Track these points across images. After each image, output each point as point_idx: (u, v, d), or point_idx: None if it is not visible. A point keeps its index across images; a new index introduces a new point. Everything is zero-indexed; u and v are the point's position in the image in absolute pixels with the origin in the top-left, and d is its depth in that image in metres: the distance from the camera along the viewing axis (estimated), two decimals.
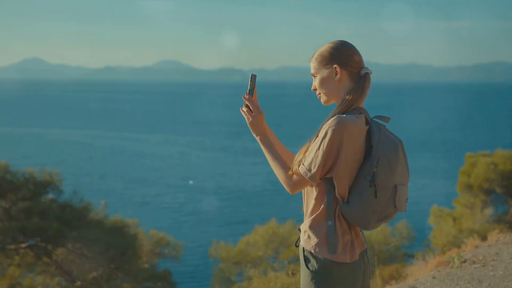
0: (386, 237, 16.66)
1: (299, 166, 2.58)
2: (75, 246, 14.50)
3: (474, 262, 5.93)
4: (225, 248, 16.66)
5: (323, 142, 2.49)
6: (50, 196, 15.68)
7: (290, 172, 2.61)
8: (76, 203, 15.54)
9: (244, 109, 2.74)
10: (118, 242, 14.26)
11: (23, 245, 14.62)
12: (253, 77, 2.76)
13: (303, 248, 2.62)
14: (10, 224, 14.12)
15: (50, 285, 15.53)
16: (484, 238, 8.24)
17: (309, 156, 2.55)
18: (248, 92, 2.74)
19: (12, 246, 14.53)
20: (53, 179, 15.53)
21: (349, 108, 2.57)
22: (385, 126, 2.64)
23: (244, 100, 2.74)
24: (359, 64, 2.63)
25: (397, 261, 15.00)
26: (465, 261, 6.01)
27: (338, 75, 2.61)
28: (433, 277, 5.40)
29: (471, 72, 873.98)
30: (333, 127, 2.47)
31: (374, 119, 2.63)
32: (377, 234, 16.72)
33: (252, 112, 2.72)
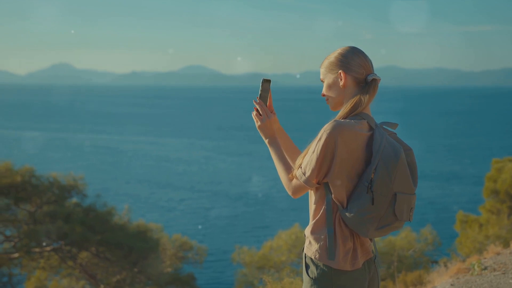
0: (411, 242, 16.51)
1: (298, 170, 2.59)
2: (99, 250, 14.62)
3: (494, 270, 5.85)
4: (248, 253, 16.66)
5: (317, 146, 2.49)
6: (75, 200, 15.84)
7: (290, 176, 2.62)
8: (100, 207, 15.67)
9: (254, 113, 2.78)
10: (140, 246, 14.33)
11: (47, 248, 14.78)
12: (263, 81, 2.78)
13: (305, 254, 2.61)
14: (35, 227, 14.28)
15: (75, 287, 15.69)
16: (506, 245, 8.10)
17: (305, 160, 2.55)
18: (258, 96, 2.78)
19: (37, 249, 14.70)
20: (77, 183, 15.69)
21: (351, 113, 2.54)
22: (395, 134, 2.61)
23: (255, 104, 2.78)
24: (366, 70, 2.60)
25: (422, 267, 14.86)
26: (485, 268, 5.91)
27: (343, 81, 2.60)
28: (451, 284, 5.30)
29: (498, 77, 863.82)
30: (328, 131, 2.46)
31: (382, 126, 2.60)
32: (402, 240, 16.58)
33: (261, 116, 2.77)
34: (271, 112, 2.81)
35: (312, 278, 2.54)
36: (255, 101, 2.79)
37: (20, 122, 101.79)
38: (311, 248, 2.56)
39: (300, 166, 2.57)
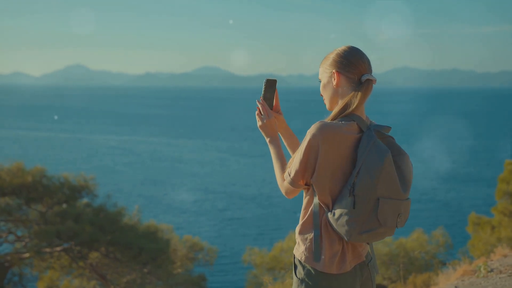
0: (422, 244, 16.43)
1: None
2: (109, 250, 14.66)
3: (500, 272, 5.77)
4: (259, 254, 16.65)
5: (301, 147, 2.48)
6: (85, 200, 15.90)
7: (283, 176, 2.62)
8: (110, 208, 15.71)
9: (257, 112, 2.80)
10: (150, 247, 14.35)
11: (57, 249, 14.85)
12: (267, 82, 2.79)
13: (294, 254, 2.60)
14: (46, 228, 14.34)
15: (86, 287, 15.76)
16: None
17: (292, 161, 2.56)
18: (262, 96, 2.80)
19: (48, 250, 14.77)
20: (87, 184, 15.76)
21: (341, 114, 2.51)
22: (392, 138, 2.56)
23: (258, 104, 2.79)
24: (361, 70, 2.55)
25: (432, 269, 14.78)
26: (491, 271, 5.87)
27: (335, 81, 2.57)
28: (456, 286, 5.25)
29: None
30: (312, 132, 2.44)
31: (375, 129, 2.53)
32: (413, 241, 16.51)
33: (262, 116, 2.79)
34: (277, 112, 2.83)
35: (299, 279, 2.53)
36: (258, 101, 2.80)
37: (35, 123, 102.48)
38: (298, 249, 2.55)
39: (288, 167, 2.58)
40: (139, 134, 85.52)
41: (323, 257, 2.47)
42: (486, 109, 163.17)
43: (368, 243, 2.62)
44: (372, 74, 2.60)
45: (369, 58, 2.62)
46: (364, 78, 2.54)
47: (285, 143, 2.90)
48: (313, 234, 2.50)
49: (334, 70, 2.57)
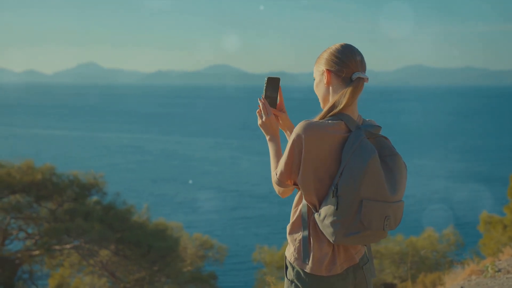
0: (433, 243, 16.35)
1: None
2: (118, 248, 14.68)
3: (508, 272, 5.70)
4: (268, 252, 16.63)
5: (286, 147, 2.46)
6: (95, 198, 15.95)
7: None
8: (119, 206, 15.74)
9: (257, 110, 2.79)
10: (159, 245, 14.36)
11: (67, 246, 14.90)
12: (268, 80, 2.77)
13: (285, 255, 2.57)
14: (55, 225, 14.40)
15: (97, 285, 15.80)
16: None
17: (279, 161, 2.54)
18: (263, 94, 2.77)
19: (57, 247, 14.83)
20: (97, 182, 15.79)
21: (329, 113, 2.46)
22: (385, 138, 2.49)
23: (259, 102, 2.77)
24: (352, 68, 2.49)
25: (443, 268, 14.69)
26: (499, 271, 5.79)
27: (326, 79, 2.54)
28: (462, 287, 5.21)
29: None
30: (296, 132, 2.41)
31: (364, 128, 2.46)
32: (424, 240, 16.43)
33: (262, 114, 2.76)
34: (281, 111, 2.80)
35: (289, 280, 2.50)
36: (259, 99, 2.77)
37: (47, 121, 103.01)
38: (289, 250, 2.53)
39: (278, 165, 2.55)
40: (150, 132, 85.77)
41: (311, 258, 2.43)
42: (499, 107, 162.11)
43: (365, 245, 2.56)
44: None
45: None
46: (354, 76, 2.48)
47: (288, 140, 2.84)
48: (301, 235, 2.47)
49: (325, 69, 2.54)
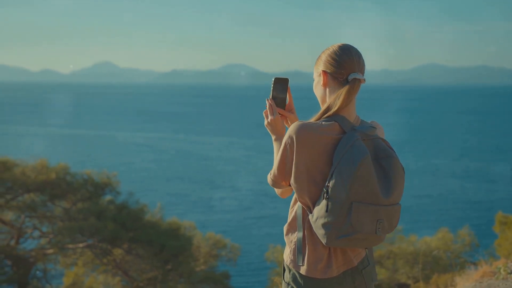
0: (447, 243, 16.24)
1: None
2: (131, 247, 14.73)
3: None
4: (281, 252, 16.59)
5: (280, 148, 2.47)
6: (108, 197, 16.01)
7: None
8: (132, 205, 15.79)
9: (264, 111, 2.79)
10: (172, 244, 14.38)
11: (80, 245, 14.98)
12: (275, 81, 2.77)
13: (283, 257, 2.56)
14: (69, 224, 14.48)
15: (111, 284, 15.86)
16: None
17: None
18: (271, 95, 2.78)
19: (71, 246, 14.92)
20: (110, 181, 15.86)
21: (323, 115, 2.46)
22: (383, 139, 2.45)
23: (266, 102, 2.77)
24: (349, 70, 2.48)
25: (458, 268, 14.58)
26: (511, 272, 5.72)
27: (322, 81, 2.54)
28: None
29: None
30: (289, 133, 2.41)
31: (359, 129, 2.43)
32: (438, 240, 16.31)
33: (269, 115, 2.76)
34: (290, 111, 2.78)
35: (287, 283, 2.49)
36: (267, 99, 2.77)
37: (64, 120, 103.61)
38: (286, 252, 2.52)
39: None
40: (165, 132, 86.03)
41: (306, 260, 2.41)
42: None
43: (366, 249, 2.52)
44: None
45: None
46: (350, 77, 2.47)
47: None
48: (297, 237, 2.46)
49: (321, 70, 2.54)
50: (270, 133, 2.77)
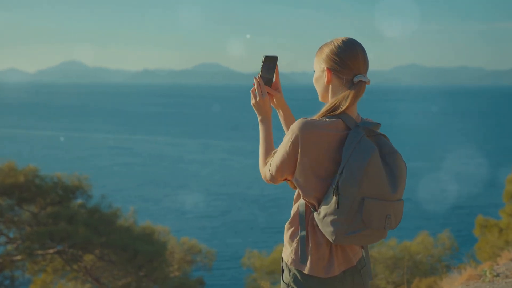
0: (427, 247, 16.11)
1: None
2: (103, 252, 14.33)
3: (507, 276, 5.68)
4: (258, 257, 16.33)
5: (282, 144, 2.45)
6: (79, 201, 15.54)
7: (267, 160, 2.60)
8: (105, 209, 15.36)
9: (252, 89, 2.75)
10: (146, 249, 14.03)
11: (50, 251, 14.50)
12: (265, 58, 2.71)
13: (282, 257, 2.56)
14: (38, 229, 14.02)
15: None
16: None
17: (274, 156, 2.52)
18: (259, 73, 2.74)
19: (40, 252, 14.43)
20: (82, 184, 15.41)
21: (329, 113, 2.44)
22: (384, 136, 2.47)
23: (254, 81, 2.75)
24: (354, 70, 2.46)
25: (439, 273, 14.49)
26: (497, 275, 5.79)
27: (326, 78, 2.51)
28: None
29: None
30: (292, 129, 2.41)
31: (363, 125, 2.44)
32: (418, 245, 16.16)
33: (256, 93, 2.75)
34: (276, 90, 2.77)
35: (286, 284, 2.48)
36: (255, 78, 2.74)
37: (31, 121, 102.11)
38: (286, 252, 2.51)
39: (271, 160, 2.55)
40: (138, 133, 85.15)
41: (309, 259, 2.42)
42: (495, 108, 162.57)
43: (362, 248, 2.55)
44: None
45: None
46: (356, 79, 2.46)
47: (281, 121, 2.86)
48: (299, 235, 2.45)
49: (326, 67, 2.50)
50: (257, 113, 2.76)
